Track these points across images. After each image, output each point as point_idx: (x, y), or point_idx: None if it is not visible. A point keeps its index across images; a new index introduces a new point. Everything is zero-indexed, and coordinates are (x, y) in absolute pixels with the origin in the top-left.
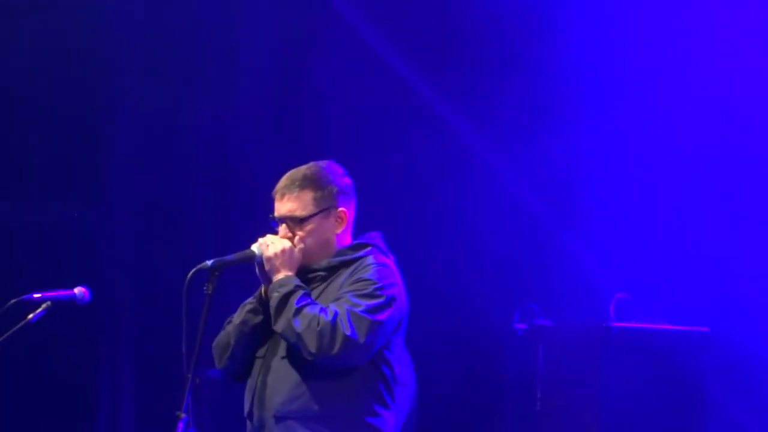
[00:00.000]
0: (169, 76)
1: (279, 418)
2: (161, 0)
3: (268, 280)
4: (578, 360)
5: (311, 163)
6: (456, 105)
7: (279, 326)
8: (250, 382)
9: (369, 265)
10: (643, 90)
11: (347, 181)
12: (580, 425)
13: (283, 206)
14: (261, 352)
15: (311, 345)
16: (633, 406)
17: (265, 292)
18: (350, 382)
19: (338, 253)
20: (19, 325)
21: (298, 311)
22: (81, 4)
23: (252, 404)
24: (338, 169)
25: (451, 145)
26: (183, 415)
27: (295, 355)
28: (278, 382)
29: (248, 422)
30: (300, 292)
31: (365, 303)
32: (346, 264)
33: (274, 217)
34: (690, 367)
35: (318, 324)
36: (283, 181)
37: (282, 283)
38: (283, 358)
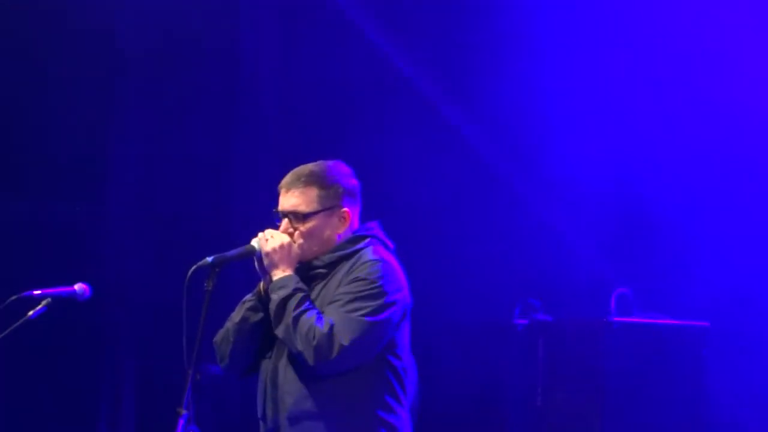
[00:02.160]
0: (171, 75)
1: (293, 419)
2: (163, 2)
3: (268, 276)
4: (579, 354)
5: (319, 161)
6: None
7: (279, 333)
8: (260, 384)
9: (367, 261)
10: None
11: (354, 182)
12: (581, 419)
13: (287, 201)
14: (269, 353)
15: (309, 358)
16: (634, 400)
17: (265, 288)
18: (361, 378)
19: (337, 248)
20: (19, 322)
21: (295, 320)
22: (83, 5)
23: (264, 406)
24: (345, 170)
25: (447, 136)
26: (184, 412)
27: (295, 355)
28: (289, 382)
29: (262, 424)
30: (298, 296)
31: (363, 305)
32: (345, 258)
33: (277, 212)
34: (690, 362)
35: (314, 337)
36: (290, 176)
37: (281, 284)
38: (290, 359)
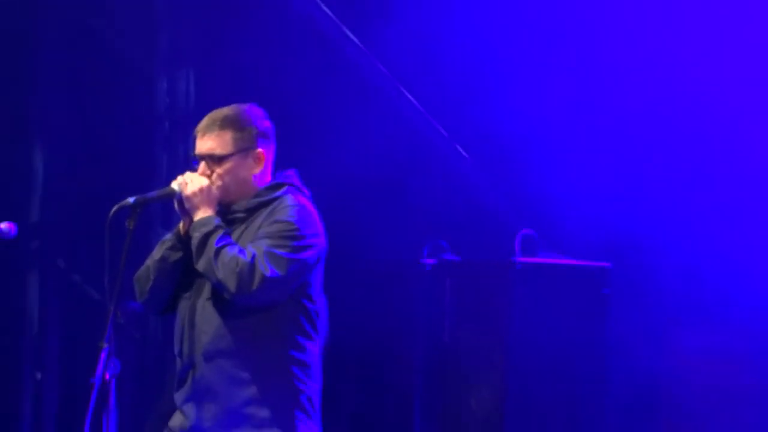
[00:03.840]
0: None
1: (208, 357)
2: (84, 8)
3: (188, 217)
4: (485, 294)
5: (233, 105)
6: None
7: (200, 266)
8: (178, 323)
9: (287, 206)
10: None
11: (267, 124)
12: (487, 356)
13: (203, 144)
14: (187, 294)
15: (231, 285)
16: (537, 339)
17: (185, 229)
18: (274, 319)
19: (256, 195)
20: None
21: (217, 252)
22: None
23: (182, 344)
24: (259, 112)
25: (346, 70)
26: (105, 345)
27: (220, 296)
28: (205, 322)
29: (178, 360)
30: (219, 232)
31: (283, 243)
32: (264, 204)
33: (194, 156)
34: (592, 301)
35: (237, 265)
36: (205, 120)
37: (202, 222)
38: (208, 299)
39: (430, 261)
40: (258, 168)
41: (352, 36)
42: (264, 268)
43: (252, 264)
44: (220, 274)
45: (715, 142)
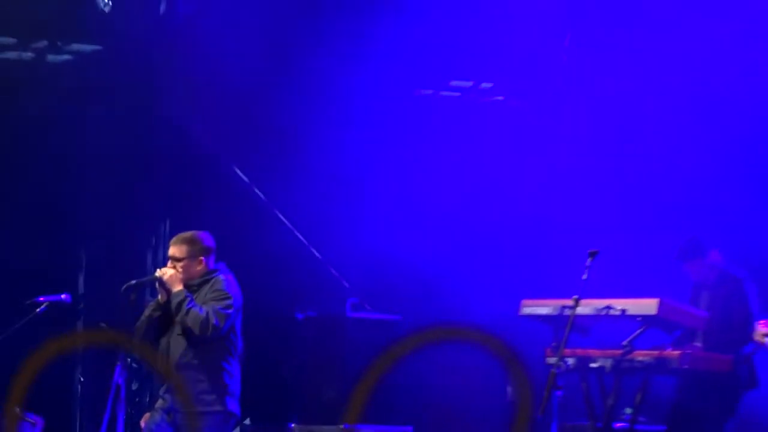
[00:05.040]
0: None
1: (178, 366)
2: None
3: (166, 292)
4: (329, 334)
5: (193, 231)
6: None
7: (179, 318)
8: (161, 348)
9: (220, 280)
10: None
11: (210, 243)
12: (328, 370)
13: (171, 251)
14: (165, 334)
15: (196, 330)
16: (361, 355)
17: (163, 299)
18: (215, 345)
19: (202, 275)
20: None
21: (188, 311)
22: None
23: (162, 358)
24: (205, 236)
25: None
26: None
27: (186, 333)
28: (176, 346)
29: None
30: (188, 300)
31: (222, 304)
32: (207, 281)
33: (169, 256)
34: (388, 338)
35: (198, 319)
36: (175, 238)
37: (178, 294)
38: (179, 334)
39: (300, 315)
40: (200, 266)
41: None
42: (215, 320)
43: (207, 318)
44: (190, 323)
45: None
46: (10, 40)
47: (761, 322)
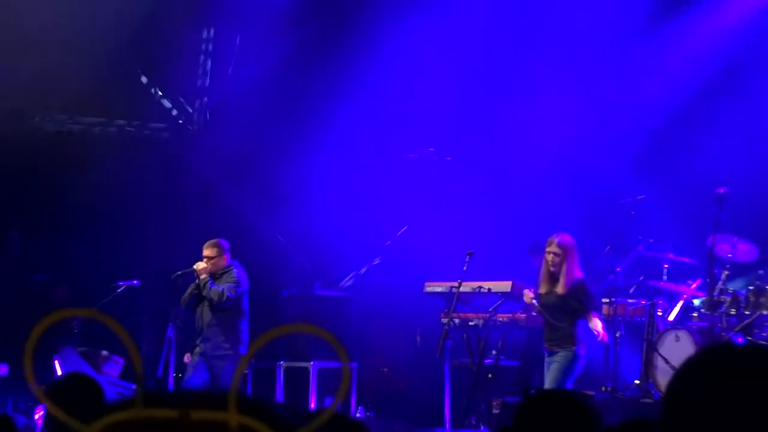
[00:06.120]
0: None
1: (207, 326)
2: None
3: (199, 278)
4: (305, 307)
5: (217, 239)
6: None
7: (205, 293)
8: (197, 315)
9: (234, 271)
10: None
11: (227, 245)
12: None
13: (204, 251)
14: (200, 304)
15: (215, 300)
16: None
17: (198, 282)
18: (231, 312)
19: (223, 269)
20: None
21: (211, 289)
22: None
23: (197, 321)
24: (225, 242)
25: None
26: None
27: (210, 302)
28: (206, 312)
29: (197, 328)
30: (210, 282)
31: (232, 285)
32: (227, 271)
33: (204, 256)
34: (341, 319)
35: (216, 293)
36: (207, 243)
37: (204, 279)
38: (207, 305)
39: (285, 293)
40: (224, 261)
41: None
42: (227, 294)
43: (222, 293)
44: (212, 296)
45: None
46: (96, 119)
47: (526, 290)
